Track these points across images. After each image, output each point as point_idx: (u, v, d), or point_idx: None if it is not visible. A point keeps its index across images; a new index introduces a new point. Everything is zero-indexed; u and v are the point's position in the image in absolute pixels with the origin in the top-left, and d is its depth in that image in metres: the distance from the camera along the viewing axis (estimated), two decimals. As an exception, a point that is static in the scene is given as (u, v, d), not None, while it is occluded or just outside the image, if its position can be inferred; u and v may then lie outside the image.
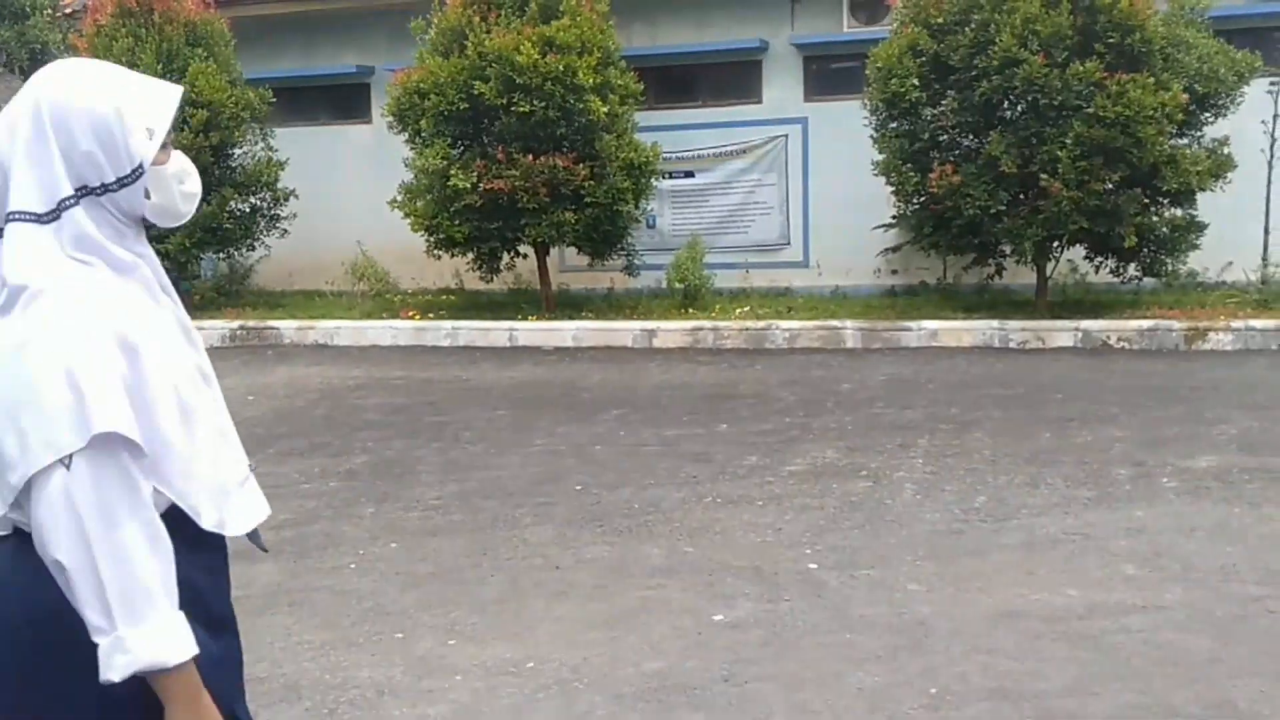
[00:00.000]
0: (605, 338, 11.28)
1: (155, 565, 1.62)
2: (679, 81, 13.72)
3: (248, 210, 13.43)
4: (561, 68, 10.96)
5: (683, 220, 13.66)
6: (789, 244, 13.53)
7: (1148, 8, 10.01)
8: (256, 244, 13.65)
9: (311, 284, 14.24)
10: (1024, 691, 3.60)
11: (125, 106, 1.72)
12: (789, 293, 12.99)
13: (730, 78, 13.54)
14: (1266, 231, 11.02)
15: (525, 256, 12.46)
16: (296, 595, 4.65)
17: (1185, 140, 10.47)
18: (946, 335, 10.61)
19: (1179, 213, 10.51)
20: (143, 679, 1.62)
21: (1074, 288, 11.72)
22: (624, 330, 11.30)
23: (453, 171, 11.20)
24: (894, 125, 10.86)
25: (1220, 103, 10.40)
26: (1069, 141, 9.81)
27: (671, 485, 6.11)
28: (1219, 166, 10.23)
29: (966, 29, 10.25)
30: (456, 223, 11.48)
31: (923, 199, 10.72)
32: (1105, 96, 9.70)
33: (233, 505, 1.81)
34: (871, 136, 11.12)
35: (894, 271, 12.87)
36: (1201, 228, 10.57)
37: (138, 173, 1.73)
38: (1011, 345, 10.37)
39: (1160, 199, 10.39)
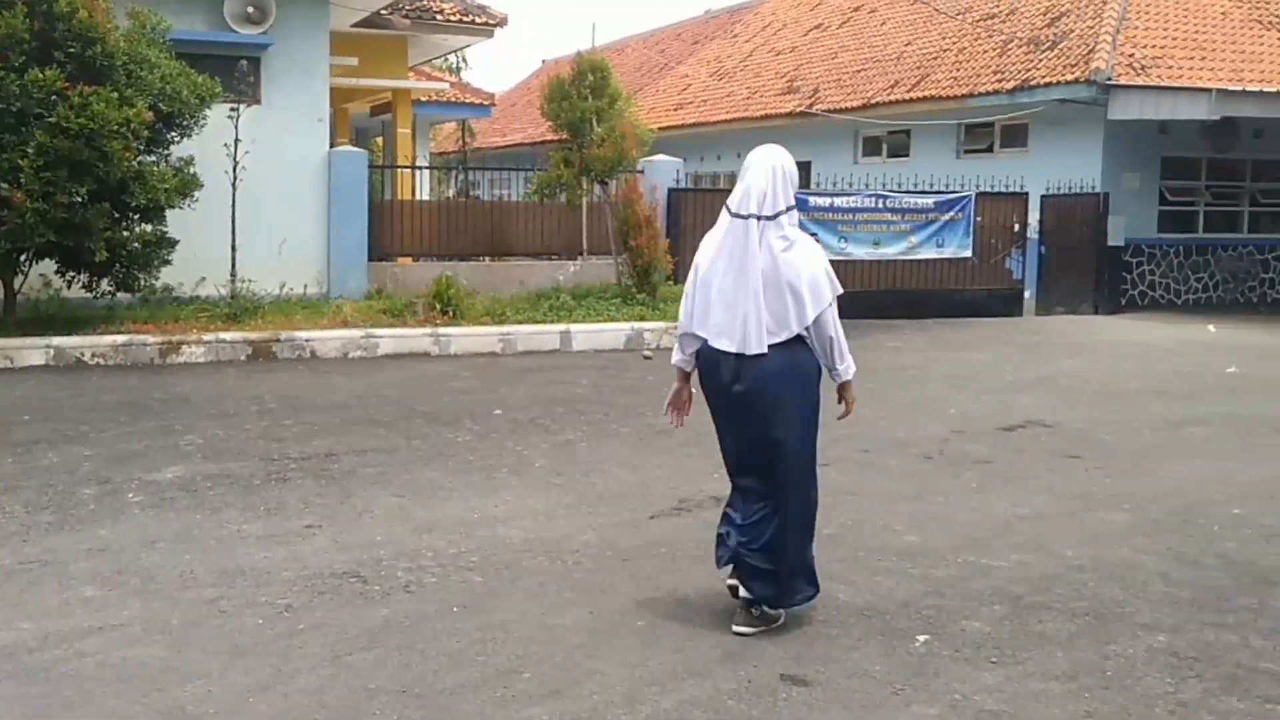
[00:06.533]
0: None
1: (845, 338, 4.36)
2: None
3: None
4: None
5: None
6: None
7: (108, 22, 10.01)
8: None
9: None
10: (-38, 743, 3.34)
11: (793, 167, 4.37)
12: None
13: None
14: (234, 249, 11.70)
15: None
16: None
17: (153, 158, 10.68)
18: (-102, 357, 9.48)
19: (150, 229, 10.69)
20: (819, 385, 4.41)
21: (47, 303, 11.28)
22: None
23: None
24: None
25: (184, 123, 10.80)
26: (31, 151, 9.42)
27: None
28: (186, 185, 10.64)
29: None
30: None
31: None
32: (68, 107, 9.48)
33: None
34: None
35: None
36: (173, 244, 10.90)
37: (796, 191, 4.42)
38: (-22, 365, 9.64)
39: (131, 214, 10.48)
